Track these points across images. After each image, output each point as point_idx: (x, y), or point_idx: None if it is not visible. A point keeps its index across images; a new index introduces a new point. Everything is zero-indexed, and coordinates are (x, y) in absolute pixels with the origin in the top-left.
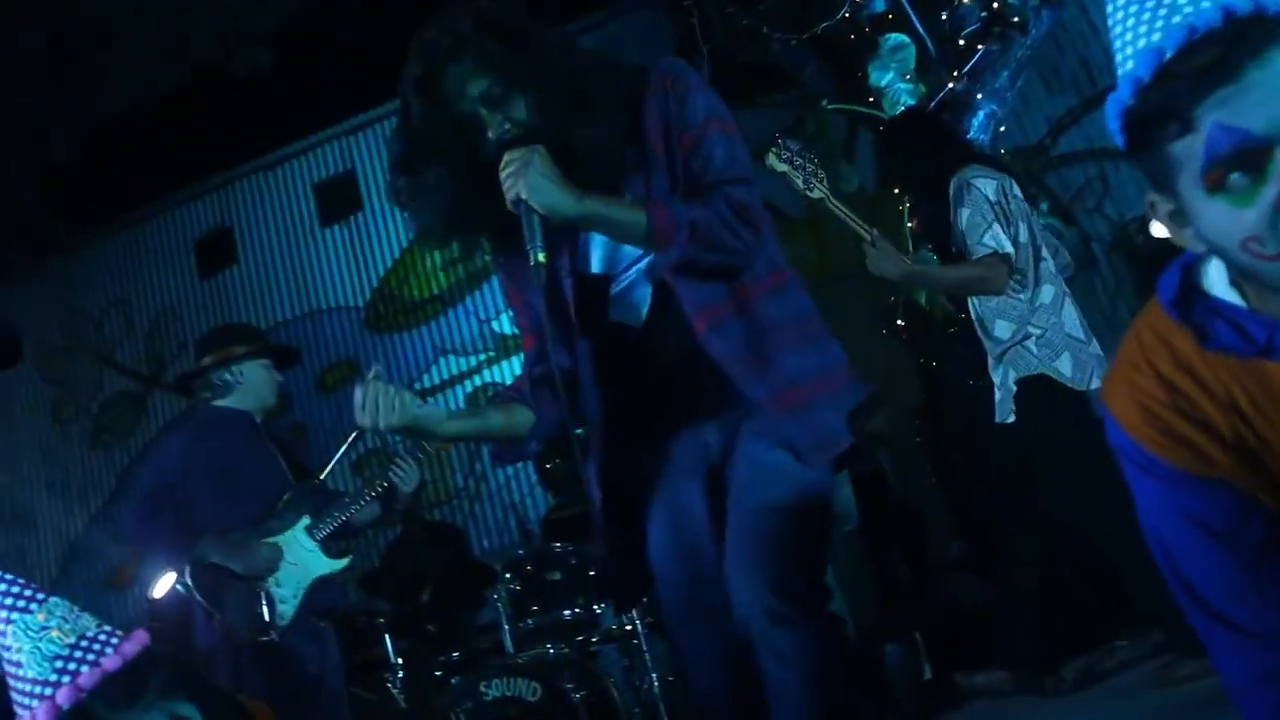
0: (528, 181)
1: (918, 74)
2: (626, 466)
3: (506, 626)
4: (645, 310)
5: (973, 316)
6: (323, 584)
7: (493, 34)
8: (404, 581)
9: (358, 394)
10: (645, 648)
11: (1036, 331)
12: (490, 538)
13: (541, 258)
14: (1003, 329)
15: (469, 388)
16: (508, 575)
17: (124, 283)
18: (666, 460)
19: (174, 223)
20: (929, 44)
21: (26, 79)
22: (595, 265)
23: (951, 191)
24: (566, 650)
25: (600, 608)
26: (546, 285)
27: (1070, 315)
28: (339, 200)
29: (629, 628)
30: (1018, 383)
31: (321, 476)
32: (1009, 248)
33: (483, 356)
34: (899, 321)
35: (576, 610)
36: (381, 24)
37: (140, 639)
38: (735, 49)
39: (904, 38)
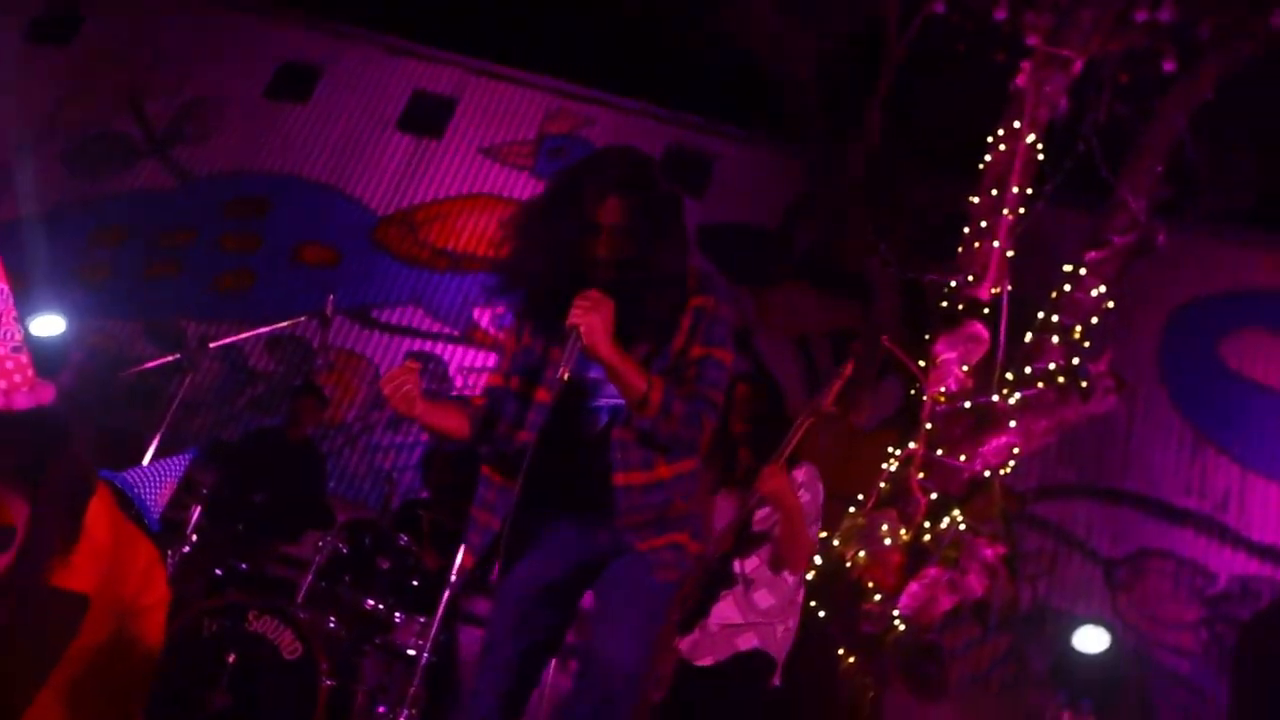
0: (590, 322)
1: (975, 370)
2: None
3: (310, 577)
4: (598, 429)
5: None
6: None
7: (651, 189)
8: (247, 470)
9: (391, 373)
10: (414, 681)
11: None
12: (344, 485)
13: (565, 377)
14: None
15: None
16: (344, 533)
17: (194, 55)
18: (560, 534)
19: (264, 35)
20: (999, 350)
21: None
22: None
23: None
24: (345, 634)
25: (399, 618)
26: (538, 371)
27: None
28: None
29: (410, 652)
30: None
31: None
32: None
33: (450, 334)
34: None
35: (379, 606)
36: None
37: (46, 394)
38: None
39: (983, 333)
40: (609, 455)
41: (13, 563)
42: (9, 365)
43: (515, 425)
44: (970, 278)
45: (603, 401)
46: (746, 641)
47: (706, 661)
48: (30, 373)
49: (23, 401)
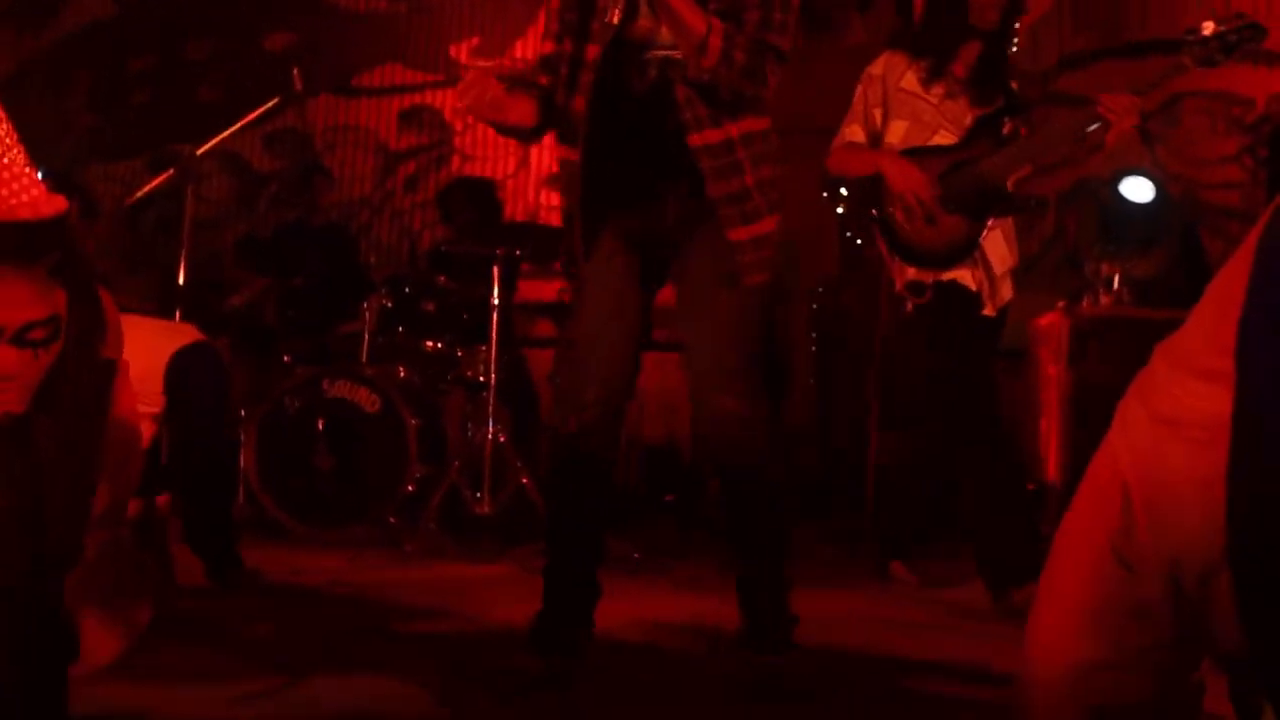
0: None
1: None
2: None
3: (366, 336)
4: (648, 83)
5: None
6: None
7: None
8: (282, 260)
9: (465, 86)
10: (489, 403)
11: None
12: (383, 256)
13: (616, 21)
14: None
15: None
16: (384, 289)
17: None
18: (627, 210)
19: None
20: None
21: None
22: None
23: None
24: (417, 379)
25: (460, 353)
26: (584, 26)
27: None
28: None
29: (482, 379)
30: None
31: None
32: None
33: (435, 80)
34: None
35: (439, 345)
36: None
37: (60, 204)
38: None
39: None
40: (678, 115)
41: (69, 343)
42: (26, 180)
43: (570, 90)
44: None
45: (653, 54)
46: None
47: None
48: (44, 186)
49: (48, 209)
